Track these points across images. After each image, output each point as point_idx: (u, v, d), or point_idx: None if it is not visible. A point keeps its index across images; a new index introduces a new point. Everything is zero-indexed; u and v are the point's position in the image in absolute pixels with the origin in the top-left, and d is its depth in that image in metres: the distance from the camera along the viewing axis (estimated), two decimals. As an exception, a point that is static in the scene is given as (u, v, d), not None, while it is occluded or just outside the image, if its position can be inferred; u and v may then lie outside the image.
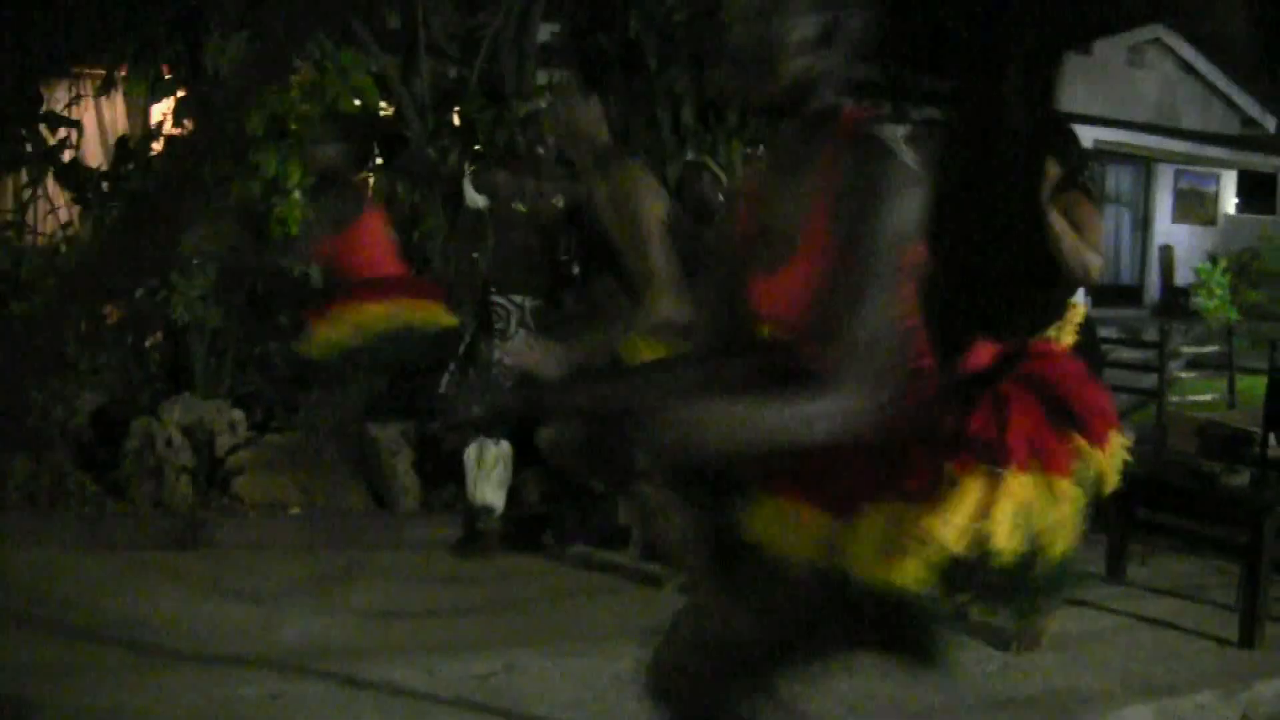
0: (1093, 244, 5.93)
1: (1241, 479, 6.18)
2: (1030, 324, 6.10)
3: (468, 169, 8.54)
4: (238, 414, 8.11)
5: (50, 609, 6.26)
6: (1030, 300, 6.13)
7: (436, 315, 7.54)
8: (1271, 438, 6.53)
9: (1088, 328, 6.18)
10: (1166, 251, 23.93)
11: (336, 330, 7.28)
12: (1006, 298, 6.15)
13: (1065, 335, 6.08)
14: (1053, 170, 5.97)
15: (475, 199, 7.80)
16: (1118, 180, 23.43)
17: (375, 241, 7.49)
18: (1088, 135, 16.61)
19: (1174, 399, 9.21)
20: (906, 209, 2.54)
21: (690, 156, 8.84)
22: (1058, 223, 5.84)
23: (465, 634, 6.14)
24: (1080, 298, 6.33)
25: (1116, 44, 23.11)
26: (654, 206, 5.60)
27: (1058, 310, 6.13)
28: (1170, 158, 23.25)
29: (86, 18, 8.75)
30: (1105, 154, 21.26)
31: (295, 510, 7.84)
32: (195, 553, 7.36)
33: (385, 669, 5.45)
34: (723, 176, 7.99)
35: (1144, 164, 24.10)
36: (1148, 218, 24.72)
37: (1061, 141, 6.12)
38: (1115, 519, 6.81)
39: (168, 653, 5.70)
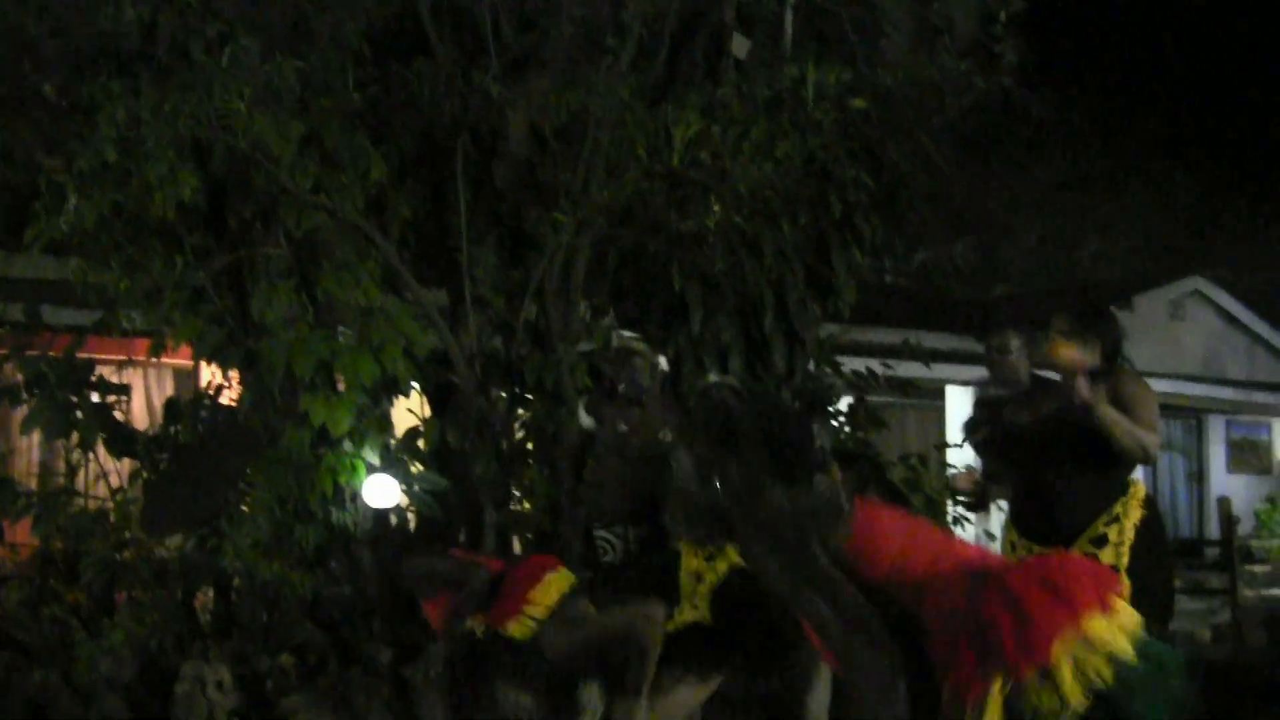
0: (1146, 422, 5.89)
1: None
2: (1097, 504, 6.00)
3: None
4: (288, 659, 7.94)
5: None
6: (1095, 483, 6.04)
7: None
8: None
9: (1150, 503, 6.09)
10: (1224, 503, 23.62)
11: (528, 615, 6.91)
12: (1074, 483, 6.05)
13: (1131, 511, 5.97)
14: (1092, 356, 5.95)
15: (585, 419, 7.72)
16: (1170, 433, 23.24)
17: None
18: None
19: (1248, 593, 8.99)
20: None
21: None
22: (1109, 412, 5.79)
23: None
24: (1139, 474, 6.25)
25: (1157, 298, 23.16)
26: None
27: (1121, 489, 6.04)
28: (1219, 407, 23.12)
29: (133, 275, 8.81)
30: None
31: (351, 755, 7.61)
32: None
33: None
34: None
35: (1194, 416, 23.97)
36: (1202, 470, 24.49)
37: (1099, 327, 6.10)
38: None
39: None
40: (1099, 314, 6.23)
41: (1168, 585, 6.28)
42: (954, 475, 7.54)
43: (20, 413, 9.47)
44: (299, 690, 7.85)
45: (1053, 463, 6.13)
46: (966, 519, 11.41)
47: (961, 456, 7.58)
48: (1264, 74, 33.08)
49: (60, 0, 8.74)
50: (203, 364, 9.94)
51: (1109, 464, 6.00)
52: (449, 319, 9.46)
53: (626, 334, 7.77)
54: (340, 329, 8.90)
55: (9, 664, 8.00)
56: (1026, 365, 6.64)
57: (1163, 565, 6.17)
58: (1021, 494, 6.42)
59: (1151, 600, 5.94)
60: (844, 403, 10.11)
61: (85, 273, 8.87)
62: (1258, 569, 9.99)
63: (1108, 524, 5.97)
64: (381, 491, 8.43)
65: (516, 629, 6.88)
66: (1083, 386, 5.83)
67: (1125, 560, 5.88)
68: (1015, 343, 6.64)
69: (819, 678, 6.40)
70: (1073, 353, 5.97)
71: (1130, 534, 5.95)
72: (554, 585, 6.95)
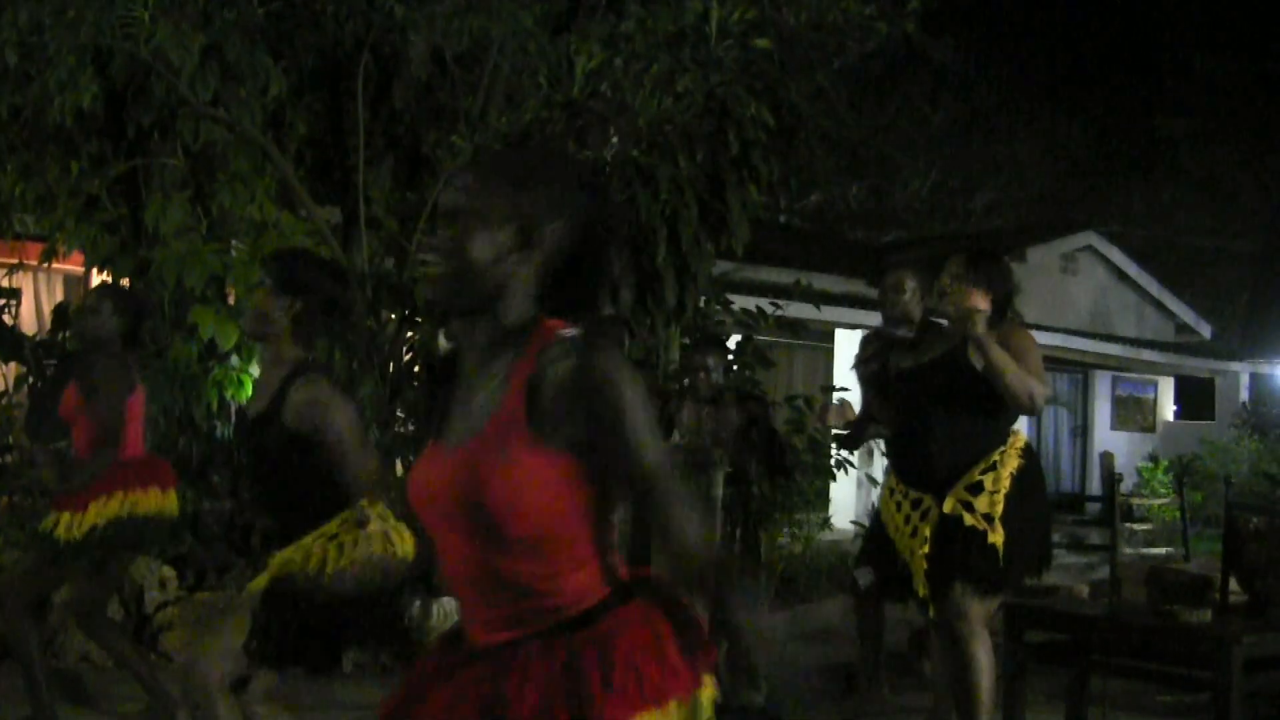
0: (1034, 371, 5.91)
1: (1202, 617, 5.99)
2: (975, 451, 6.05)
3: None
4: (168, 571, 7.92)
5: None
6: (974, 430, 6.09)
7: (167, 504, 6.47)
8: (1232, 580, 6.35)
9: (1029, 453, 6.14)
10: (1107, 458, 23.98)
11: (81, 516, 6.15)
12: (953, 429, 6.10)
13: (1009, 460, 6.02)
14: (984, 303, 5.98)
15: (444, 344, 7.71)
16: (1056, 388, 23.52)
17: (134, 422, 6.46)
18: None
19: (1127, 550, 9.18)
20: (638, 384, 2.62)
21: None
22: (998, 355, 5.82)
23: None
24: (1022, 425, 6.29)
25: (1050, 251, 23.39)
26: None
27: (1001, 438, 6.10)
28: (1106, 363, 23.37)
29: (28, 179, 8.77)
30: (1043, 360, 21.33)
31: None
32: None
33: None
34: None
35: (1081, 371, 24.25)
36: (1087, 426, 24.81)
37: (993, 274, 6.13)
38: (1072, 666, 6.63)
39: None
40: (993, 261, 6.25)
41: (1043, 537, 6.27)
42: (824, 406, 7.53)
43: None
44: (176, 603, 7.84)
45: (934, 407, 6.17)
46: (850, 463, 11.57)
47: (850, 400, 7.61)
48: (1165, 31, 33.33)
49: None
50: (94, 271, 9.86)
51: (991, 411, 6.04)
52: (342, 238, 9.45)
53: None
54: (233, 242, 8.88)
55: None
56: (920, 308, 6.68)
57: (1038, 516, 6.18)
58: (901, 438, 6.46)
59: (1025, 551, 6.02)
60: (732, 341, 10.18)
61: (-22, 175, 8.80)
62: (1138, 527, 10.23)
63: (984, 471, 5.99)
64: (266, 408, 8.41)
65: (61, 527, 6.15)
66: (979, 322, 5.86)
67: (999, 509, 5.89)
68: (911, 284, 6.67)
69: None
70: (979, 300, 6.00)
71: (1006, 483, 5.96)
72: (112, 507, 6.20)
